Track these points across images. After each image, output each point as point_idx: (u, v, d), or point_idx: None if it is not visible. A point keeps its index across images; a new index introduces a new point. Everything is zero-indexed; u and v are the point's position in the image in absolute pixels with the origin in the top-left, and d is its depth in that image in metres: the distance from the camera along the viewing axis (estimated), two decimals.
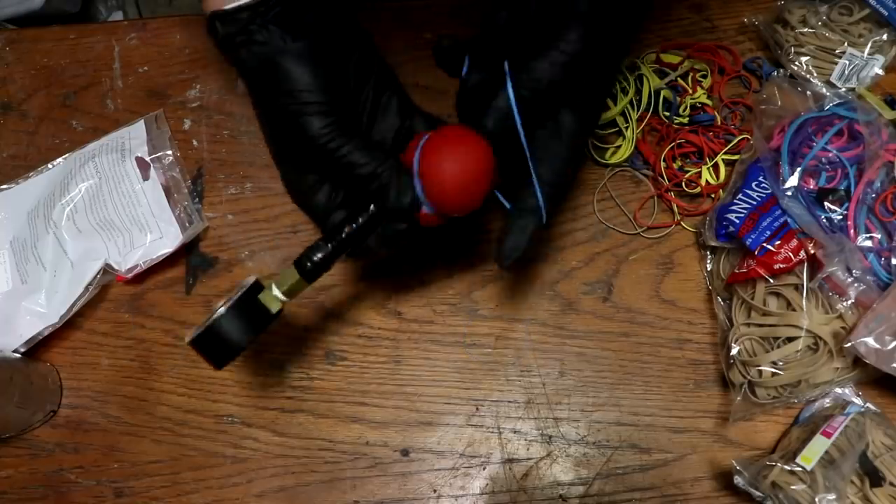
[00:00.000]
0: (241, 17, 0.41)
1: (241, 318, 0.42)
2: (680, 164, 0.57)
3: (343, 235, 0.42)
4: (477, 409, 0.54)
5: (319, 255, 0.42)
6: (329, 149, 0.41)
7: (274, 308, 0.43)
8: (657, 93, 0.58)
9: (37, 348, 0.57)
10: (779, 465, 0.45)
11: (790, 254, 0.49)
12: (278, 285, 0.44)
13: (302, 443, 0.54)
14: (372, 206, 0.42)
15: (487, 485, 0.52)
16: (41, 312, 0.56)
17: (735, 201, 0.52)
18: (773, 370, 0.48)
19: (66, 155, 0.61)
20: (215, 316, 0.42)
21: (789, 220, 0.50)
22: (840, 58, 0.56)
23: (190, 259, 0.59)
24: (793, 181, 0.52)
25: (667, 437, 0.53)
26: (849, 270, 0.48)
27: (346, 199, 0.45)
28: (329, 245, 0.42)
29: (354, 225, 0.42)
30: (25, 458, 0.55)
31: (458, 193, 0.40)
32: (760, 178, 0.53)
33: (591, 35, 0.40)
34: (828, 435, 0.46)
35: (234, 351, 0.43)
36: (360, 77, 0.45)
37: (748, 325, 0.50)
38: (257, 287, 0.43)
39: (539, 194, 0.43)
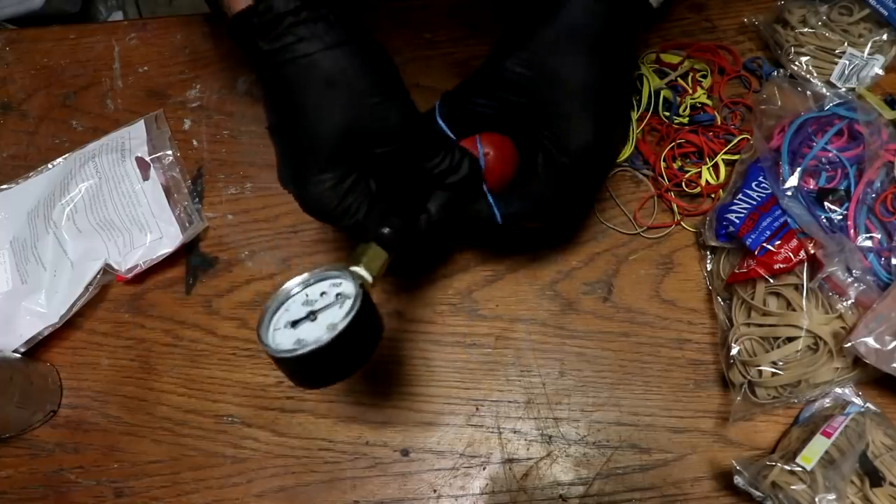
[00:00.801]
0: None
1: (361, 331, 0.36)
2: (680, 164, 0.57)
3: (408, 204, 0.42)
4: (477, 409, 0.54)
5: (397, 226, 0.40)
6: (411, 143, 0.41)
7: (369, 279, 0.38)
8: (657, 93, 0.58)
9: (37, 348, 0.57)
10: (779, 465, 0.45)
11: (790, 254, 0.49)
12: (368, 269, 0.38)
13: (302, 443, 0.54)
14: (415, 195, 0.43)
15: (487, 485, 0.52)
16: (41, 312, 0.56)
17: (735, 201, 0.52)
18: (773, 370, 0.48)
19: (66, 155, 0.61)
20: (336, 332, 0.34)
21: (789, 220, 0.50)
22: (840, 58, 0.56)
23: (190, 259, 0.59)
24: (793, 181, 0.52)
25: (667, 437, 0.53)
26: (849, 270, 0.48)
27: (380, 193, 0.43)
28: (397, 218, 0.41)
29: (413, 200, 0.42)
30: (25, 458, 0.55)
31: (511, 169, 0.46)
32: (760, 178, 0.53)
33: (539, 64, 0.40)
34: (828, 435, 0.46)
35: (346, 374, 0.37)
36: None
37: (748, 325, 0.50)
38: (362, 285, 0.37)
39: (490, 200, 0.45)
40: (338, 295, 0.37)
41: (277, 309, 0.38)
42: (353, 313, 0.35)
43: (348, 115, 0.39)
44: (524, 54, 0.41)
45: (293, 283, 0.38)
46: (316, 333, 0.35)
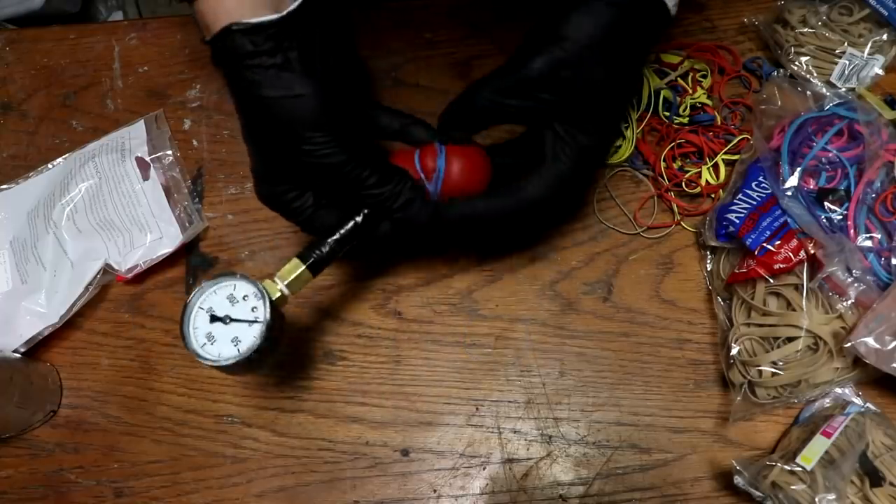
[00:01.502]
0: (270, 34, 0.39)
1: (271, 335, 0.44)
2: (680, 164, 0.57)
3: (344, 231, 0.45)
4: (477, 409, 0.54)
5: (324, 249, 0.45)
6: (352, 178, 0.43)
7: (274, 295, 0.44)
8: (657, 93, 0.58)
9: (37, 348, 0.57)
10: (779, 465, 0.45)
11: (790, 254, 0.49)
12: (281, 278, 0.45)
13: (302, 443, 0.54)
14: (365, 210, 0.45)
15: (487, 485, 0.52)
16: (41, 312, 0.56)
17: (735, 201, 0.52)
18: (773, 370, 0.48)
19: (66, 155, 0.61)
20: (255, 344, 0.43)
21: (789, 220, 0.50)
22: (840, 58, 0.56)
23: (190, 259, 0.59)
24: (793, 181, 0.52)
25: (667, 437, 0.53)
26: (849, 270, 0.48)
27: (333, 202, 0.46)
28: (331, 240, 0.45)
29: (353, 223, 0.45)
30: (25, 458, 0.55)
31: (475, 185, 0.47)
32: (760, 178, 0.53)
33: (562, 63, 0.40)
34: (828, 435, 0.46)
35: (262, 366, 0.46)
36: (354, 89, 0.46)
37: (748, 325, 0.50)
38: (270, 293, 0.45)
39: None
40: (253, 308, 0.44)
41: (206, 290, 0.45)
42: (250, 350, 0.43)
43: (287, 151, 0.42)
44: (549, 53, 0.41)
45: (226, 275, 0.45)
46: (220, 345, 0.44)
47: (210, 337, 0.44)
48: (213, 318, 0.44)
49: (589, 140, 0.43)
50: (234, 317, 0.44)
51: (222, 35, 0.39)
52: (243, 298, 0.44)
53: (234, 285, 0.45)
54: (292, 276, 0.45)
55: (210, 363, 0.43)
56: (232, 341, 0.44)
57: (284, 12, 0.39)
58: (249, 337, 0.43)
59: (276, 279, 0.45)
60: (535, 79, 0.41)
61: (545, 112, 0.43)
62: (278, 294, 0.45)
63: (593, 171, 0.47)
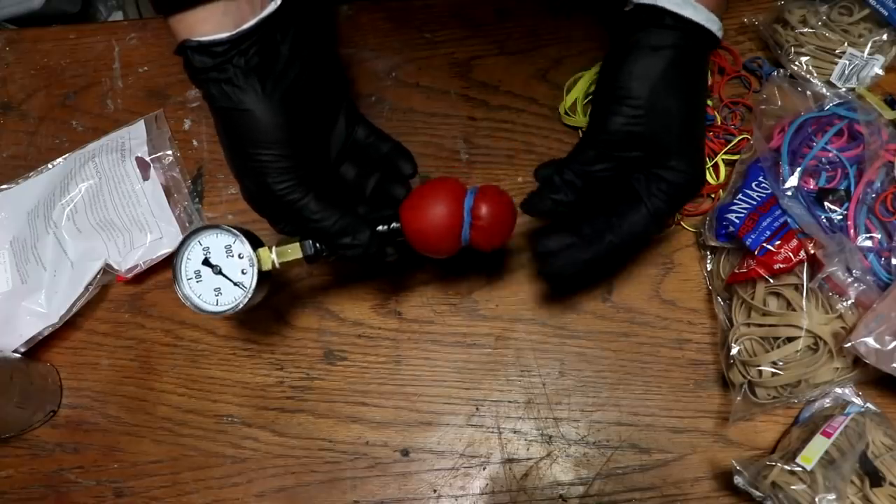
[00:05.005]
0: (217, 51, 0.40)
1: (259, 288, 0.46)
2: None
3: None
4: (477, 409, 0.54)
5: (325, 249, 0.46)
6: (287, 201, 0.43)
7: (265, 266, 0.46)
8: None
9: (37, 348, 0.57)
10: (779, 465, 0.45)
11: (790, 254, 0.49)
12: (278, 254, 0.46)
13: (302, 443, 0.54)
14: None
15: (487, 485, 0.52)
16: (41, 312, 0.56)
17: (735, 201, 0.52)
18: (773, 370, 0.48)
19: (66, 155, 0.61)
20: (233, 307, 0.45)
21: (789, 220, 0.50)
22: (840, 58, 0.56)
23: None
24: (793, 181, 0.52)
25: (667, 437, 0.53)
26: (849, 270, 0.48)
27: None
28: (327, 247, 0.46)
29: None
30: (25, 458, 0.55)
31: (508, 229, 0.47)
32: (760, 178, 0.53)
33: (645, 116, 0.41)
34: (828, 435, 0.46)
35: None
36: (323, 103, 0.46)
37: (748, 325, 0.50)
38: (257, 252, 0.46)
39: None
40: (243, 270, 0.46)
41: (209, 231, 0.46)
42: (227, 311, 0.45)
43: (244, 160, 0.43)
44: (622, 113, 0.41)
45: (229, 229, 0.46)
46: (203, 287, 0.46)
47: (198, 274, 0.46)
48: (206, 261, 0.46)
49: (678, 176, 0.43)
50: (223, 271, 0.46)
51: (179, 50, 0.41)
52: (238, 256, 0.46)
53: (234, 241, 0.46)
54: (288, 258, 0.46)
55: (188, 302, 0.45)
56: (215, 290, 0.45)
57: (235, 31, 0.40)
58: (230, 297, 0.45)
59: (272, 250, 0.46)
60: (617, 141, 0.42)
61: (633, 166, 0.43)
62: (268, 267, 0.46)
63: (689, 200, 0.46)
